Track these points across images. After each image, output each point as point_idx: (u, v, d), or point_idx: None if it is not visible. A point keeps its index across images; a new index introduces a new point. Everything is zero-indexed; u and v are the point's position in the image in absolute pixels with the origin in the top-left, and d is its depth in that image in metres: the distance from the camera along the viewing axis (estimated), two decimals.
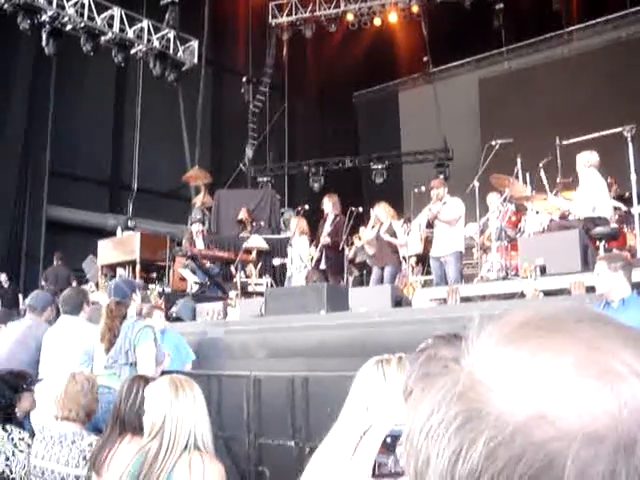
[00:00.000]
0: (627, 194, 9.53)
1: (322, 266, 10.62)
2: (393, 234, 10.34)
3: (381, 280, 10.16)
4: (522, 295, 7.25)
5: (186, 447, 2.88)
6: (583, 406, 0.50)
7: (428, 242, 9.79)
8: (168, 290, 12.32)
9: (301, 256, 10.22)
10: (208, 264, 12.40)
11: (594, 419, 0.50)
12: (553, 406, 0.51)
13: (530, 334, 0.56)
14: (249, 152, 20.53)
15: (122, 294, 5.57)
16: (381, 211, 10.51)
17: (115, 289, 5.71)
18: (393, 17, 20.60)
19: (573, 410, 0.50)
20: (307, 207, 12.18)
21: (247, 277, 12.37)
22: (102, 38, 16.37)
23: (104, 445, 3.46)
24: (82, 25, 15.97)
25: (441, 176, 17.40)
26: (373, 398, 1.94)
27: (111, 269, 13.34)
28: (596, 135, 9.35)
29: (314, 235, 11.37)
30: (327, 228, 10.79)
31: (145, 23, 17.38)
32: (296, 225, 11.47)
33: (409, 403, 0.60)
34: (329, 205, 11.05)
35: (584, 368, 0.52)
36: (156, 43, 17.46)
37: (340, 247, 10.80)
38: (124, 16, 16.84)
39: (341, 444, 1.48)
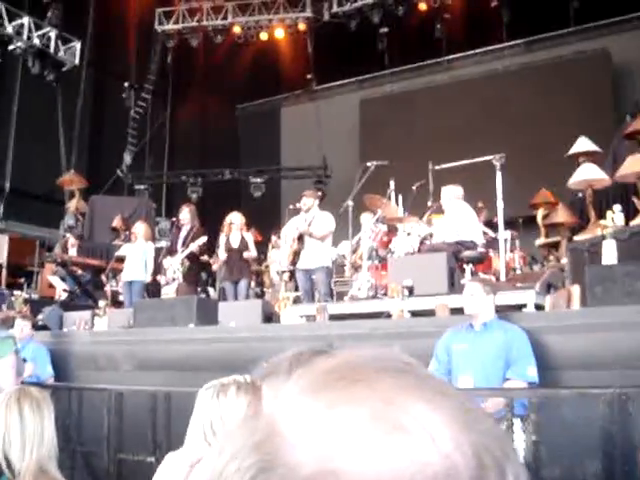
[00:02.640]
0: (495, 219, 9.90)
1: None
2: (245, 246, 10.36)
3: (235, 296, 10.14)
4: (388, 315, 7.42)
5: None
6: (371, 463, 0.50)
7: (297, 255, 9.83)
8: (35, 297, 11.98)
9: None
10: (79, 272, 12.13)
11: (379, 477, 0.50)
12: (343, 461, 0.50)
13: (332, 384, 0.55)
14: (127, 158, 20.15)
15: None
16: (237, 219, 10.47)
17: None
18: (280, 33, 20.75)
19: (362, 466, 0.50)
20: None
21: (118, 286, 12.16)
22: None
23: None
24: None
25: (319, 193, 17.63)
26: (210, 427, 1.93)
27: None
28: (467, 162, 9.69)
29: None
30: (182, 238, 10.57)
31: (26, 19, 16.86)
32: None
33: (220, 440, 0.62)
34: (188, 215, 10.77)
35: (377, 423, 0.52)
36: (36, 41, 16.96)
37: (198, 258, 10.68)
38: (4, 10, 16.30)
39: (172, 473, 1.47)
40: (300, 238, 9.55)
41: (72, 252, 12.45)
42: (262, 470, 0.52)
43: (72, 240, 12.77)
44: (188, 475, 1.39)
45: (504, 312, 5.73)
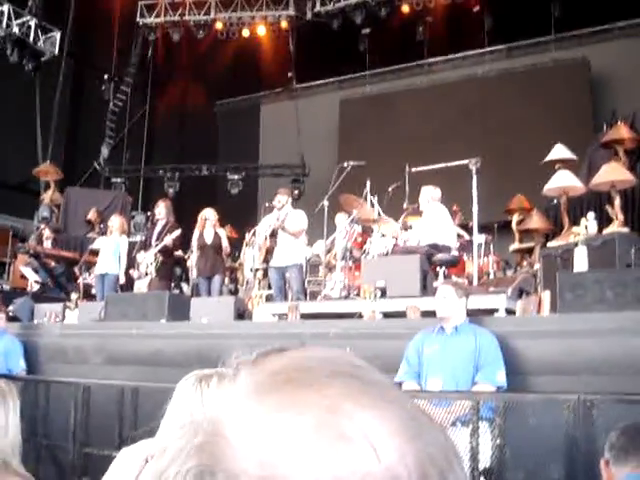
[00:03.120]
0: (470, 223, 9.94)
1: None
2: (219, 242, 10.35)
3: (208, 291, 10.12)
4: (360, 316, 7.44)
5: None
6: (314, 472, 0.49)
7: (269, 253, 9.81)
8: (7, 287, 11.89)
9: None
10: (53, 263, 12.05)
11: None
12: (286, 469, 0.49)
13: (279, 387, 0.54)
14: (105, 151, 20.02)
15: None
16: (211, 214, 10.45)
17: None
18: (262, 30, 20.71)
19: (304, 475, 0.49)
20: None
21: (91, 279, 12.09)
22: None
23: None
24: None
25: (296, 192, 17.64)
26: (187, 419, 1.90)
27: None
28: (443, 165, 9.73)
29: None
30: (156, 233, 10.50)
31: (5, 7, 16.70)
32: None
33: (164, 439, 0.61)
34: (164, 210, 10.65)
35: (322, 430, 0.51)
36: (16, 29, 16.80)
37: (172, 254, 10.66)
38: None
39: (127, 465, 1.44)
40: (273, 235, 9.54)
41: (47, 244, 12.36)
42: (202, 474, 0.50)
43: (47, 232, 12.68)
44: (141, 471, 1.35)
45: (475, 316, 5.76)
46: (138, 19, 20.76)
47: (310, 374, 0.55)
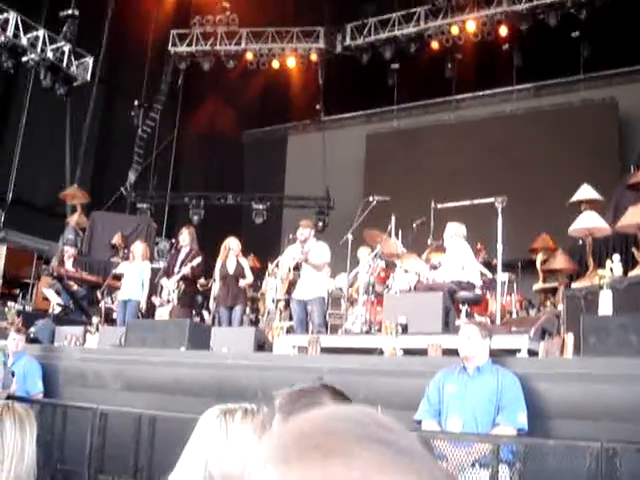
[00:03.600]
0: (494, 261, 9.87)
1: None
2: (241, 272, 10.33)
3: (229, 321, 10.09)
4: (381, 352, 7.38)
5: None
6: None
7: (292, 285, 9.78)
8: (29, 309, 11.94)
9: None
10: (75, 286, 12.10)
11: None
12: None
13: (305, 454, 0.53)
14: (132, 176, 20.21)
15: None
16: (234, 244, 10.44)
17: None
18: (291, 62, 20.92)
19: None
20: None
21: (112, 303, 12.13)
22: None
23: None
24: None
25: (320, 224, 17.68)
26: (213, 453, 1.89)
27: None
28: (469, 203, 9.69)
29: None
30: (180, 261, 10.50)
31: (41, 32, 17.02)
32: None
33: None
34: (188, 238, 10.63)
35: None
36: (50, 54, 17.09)
37: (194, 281, 10.66)
38: (20, 22, 16.44)
39: None
40: (296, 268, 9.52)
41: (68, 264, 12.42)
42: None
43: (69, 251, 12.73)
44: None
45: (497, 356, 5.69)
46: (170, 47, 21.06)
47: (339, 439, 0.53)
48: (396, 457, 0.53)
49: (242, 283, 10.30)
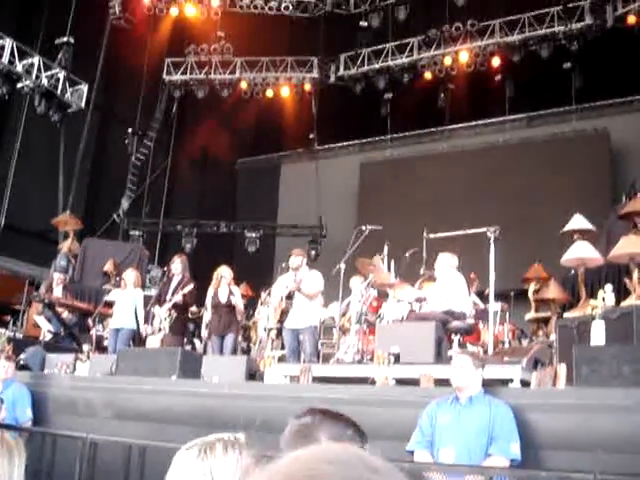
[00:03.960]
0: (487, 291, 9.85)
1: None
2: (233, 299, 10.29)
3: (221, 349, 10.04)
4: (373, 382, 7.34)
5: None
6: None
7: (284, 314, 9.73)
8: (20, 336, 11.86)
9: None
10: (66, 313, 12.03)
11: None
12: None
13: None
14: (125, 204, 20.21)
15: None
16: (226, 273, 10.41)
17: None
18: (285, 91, 21.05)
19: None
20: None
21: (104, 330, 12.05)
22: None
23: None
24: None
25: (313, 252, 17.67)
26: None
27: None
28: (462, 233, 9.69)
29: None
30: (172, 289, 10.47)
31: (36, 59, 17.12)
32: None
33: None
34: (180, 266, 10.61)
35: None
36: (45, 81, 17.17)
37: (186, 309, 10.63)
38: (15, 48, 16.52)
39: None
40: (289, 297, 9.48)
41: (57, 290, 12.33)
42: None
43: (59, 277, 12.64)
44: None
45: (490, 386, 5.67)
46: (164, 76, 21.16)
47: None
48: None
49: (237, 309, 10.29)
